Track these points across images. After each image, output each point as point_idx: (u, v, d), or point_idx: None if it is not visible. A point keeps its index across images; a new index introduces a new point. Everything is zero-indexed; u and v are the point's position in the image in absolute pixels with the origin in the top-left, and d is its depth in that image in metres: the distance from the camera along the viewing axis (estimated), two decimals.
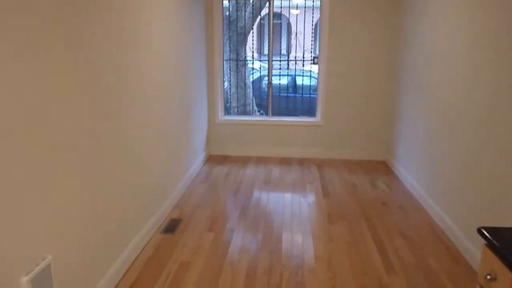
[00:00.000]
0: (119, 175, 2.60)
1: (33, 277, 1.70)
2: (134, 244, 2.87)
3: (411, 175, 4.27)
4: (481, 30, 2.84)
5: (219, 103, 5.45)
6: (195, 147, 4.75)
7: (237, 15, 6.87)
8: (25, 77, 1.64)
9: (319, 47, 5.26)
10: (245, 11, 6.99)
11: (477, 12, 2.90)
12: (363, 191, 4.23)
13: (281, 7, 5.58)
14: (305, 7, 5.67)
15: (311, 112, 5.70)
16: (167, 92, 3.61)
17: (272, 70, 5.49)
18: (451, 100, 3.31)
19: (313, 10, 5.59)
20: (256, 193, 4.16)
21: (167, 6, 3.55)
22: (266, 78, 6.11)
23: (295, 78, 8.38)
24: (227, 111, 6.56)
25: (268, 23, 5.35)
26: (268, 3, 5.32)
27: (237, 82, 6.94)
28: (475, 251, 2.80)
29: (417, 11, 4.20)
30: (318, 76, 5.34)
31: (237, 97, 7.18)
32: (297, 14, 8.29)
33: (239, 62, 6.77)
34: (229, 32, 6.76)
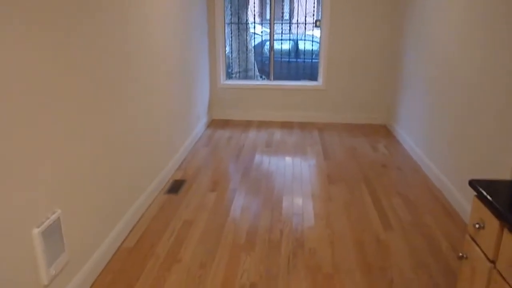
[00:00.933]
0: (126, 137, 2.66)
1: (44, 229, 1.79)
2: (139, 204, 2.97)
3: (411, 138, 4.31)
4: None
5: (221, 67, 5.44)
6: (198, 111, 4.79)
7: None
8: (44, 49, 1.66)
9: (321, 10, 5.19)
10: None
11: None
12: (363, 154, 4.29)
13: None
14: None
15: (313, 77, 5.69)
16: (170, 56, 3.61)
17: (274, 34, 5.44)
18: (449, 65, 3.31)
19: None
20: (257, 156, 4.23)
21: None
22: (268, 43, 6.06)
23: (297, 43, 8.30)
24: (229, 76, 6.55)
25: None
26: None
27: (239, 47, 6.89)
28: (469, 208, 2.88)
29: None
30: (320, 40, 5.30)
31: (239, 62, 7.15)
32: None
33: (240, 26, 6.69)
34: None
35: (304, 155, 4.27)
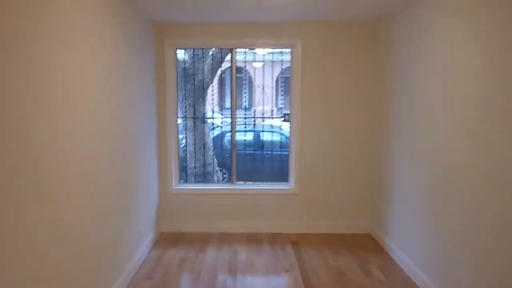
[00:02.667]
0: (26, 277, 1.60)
1: None
2: None
3: (410, 257, 3.45)
4: (494, 62, 2.16)
5: (173, 169, 4.53)
6: (140, 227, 3.76)
7: (194, 67, 6.15)
8: None
9: (290, 102, 4.55)
10: (203, 63, 6.29)
11: (487, 40, 2.24)
12: (356, 283, 3.34)
13: (245, 61, 4.88)
14: (272, 60, 5.03)
15: (280, 172, 4.88)
16: (105, 163, 2.69)
17: (235, 128, 4.69)
18: (457, 155, 2.58)
19: (273, 64, 4.95)
20: None
21: (106, 57, 2.71)
22: (228, 134, 5.34)
23: (259, 134, 7.68)
24: (184, 171, 5.64)
25: (231, 75, 4.61)
26: (230, 54, 4.61)
27: (195, 141, 6.09)
28: None
29: (407, 47, 3.59)
30: (290, 136, 4.58)
31: (195, 158, 6.30)
32: (262, 67, 7.65)
33: (197, 120, 5.95)
34: (186, 86, 5.99)
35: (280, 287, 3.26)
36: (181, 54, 5.61)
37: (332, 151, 4.47)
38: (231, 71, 4.58)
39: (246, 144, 6.01)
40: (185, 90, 5.82)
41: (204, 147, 6.21)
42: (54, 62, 2.11)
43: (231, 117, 4.66)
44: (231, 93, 4.65)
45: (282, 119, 4.71)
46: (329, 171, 4.49)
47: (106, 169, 2.83)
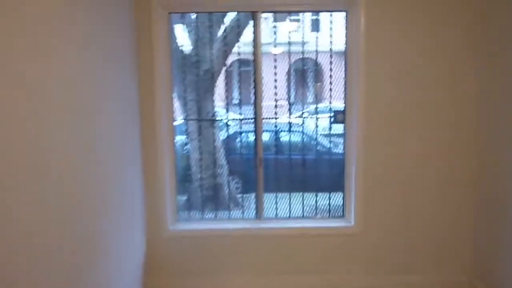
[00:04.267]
0: None
1: None
2: None
3: None
4: None
5: (168, 199, 2.97)
6: None
7: (196, 51, 4.51)
8: None
9: (346, 94, 2.99)
10: (210, 48, 4.65)
11: None
12: None
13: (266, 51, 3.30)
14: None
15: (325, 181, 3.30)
16: (54, 205, 1.20)
17: (261, 132, 3.15)
18: None
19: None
20: None
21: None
22: (243, 135, 4.14)
23: (278, 135, 6.10)
24: (187, 179, 4.04)
25: (254, 54, 3.07)
26: (253, 21, 3.05)
27: (201, 145, 4.45)
28: None
29: None
30: (345, 144, 3.03)
31: (201, 168, 4.68)
32: (280, 54, 6.07)
33: (204, 122, 4.34)
34: (186, 77, 4.37)
35: None
36: (177, 38, 4.04)
37: (413, 167, 2.91)
38: (254, 45, 3.03)
39: (268, 147, 4.46)
40: (185, 81, 4.22)
41: (214, 160, 4.60)
42: None
43: (254, 117, 3.11)
44: (255, 80, 3.10)
45: (332, 119, 3.13)
46: (407, 197, 2.93)
47: (54, 211, 1.32)
